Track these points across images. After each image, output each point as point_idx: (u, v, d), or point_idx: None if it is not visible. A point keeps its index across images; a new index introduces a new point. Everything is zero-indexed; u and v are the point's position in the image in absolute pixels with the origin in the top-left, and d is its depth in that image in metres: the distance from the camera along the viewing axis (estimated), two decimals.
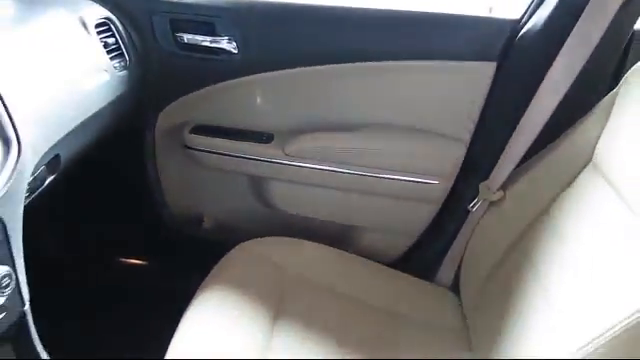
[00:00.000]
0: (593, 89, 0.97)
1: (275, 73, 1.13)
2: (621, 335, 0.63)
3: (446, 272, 1.14)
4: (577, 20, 0.90)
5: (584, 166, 0.91)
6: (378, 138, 1.13)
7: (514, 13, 1.03)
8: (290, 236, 1.13)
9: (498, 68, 1.03)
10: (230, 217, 1.36)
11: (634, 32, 0.98)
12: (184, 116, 1.23)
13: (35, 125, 0.76)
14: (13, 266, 0.71)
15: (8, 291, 0.69)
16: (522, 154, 1.00)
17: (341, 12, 1.09)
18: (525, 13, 1.02)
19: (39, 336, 0.82)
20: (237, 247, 1.07)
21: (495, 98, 1.05)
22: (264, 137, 1.19)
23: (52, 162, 0.86)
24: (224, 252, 1.06)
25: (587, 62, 0.91)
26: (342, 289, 1.04)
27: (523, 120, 0.99)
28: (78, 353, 1.04)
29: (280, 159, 1.17)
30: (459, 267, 1.12)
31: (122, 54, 1.09)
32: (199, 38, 1.13)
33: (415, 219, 1.21)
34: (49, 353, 0.85)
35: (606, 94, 0.91)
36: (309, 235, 1.13)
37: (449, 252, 1.14)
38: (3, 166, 0.68)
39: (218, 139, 1.20)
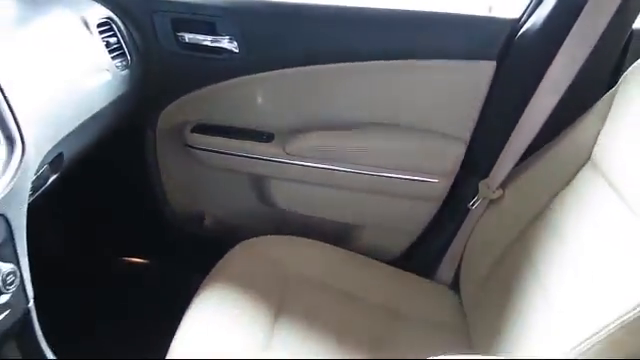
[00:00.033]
0: (592, 88, 0.98)
1: (276, 72, 1.13)
2: (616, 333, 0.64)
3: (446, 270, 1.15)
4: (576, 19, 0.91)
5: (583, 164, 0.91)
6: (378, 137, 1.14)
7: (513, 12, 1.04)
8: (291, 234, 1.13)
9: (498, 67, 1.03)
10: (231, 216, 1.36)
11: (633, 31, 0.98)
12: (185, 115, 1.23)
13: (38, 124, 0.77)
14: (17, 264, 0.72)
15: (13, 288, 0.69)
16: (522, 153, 1.00)
17: (341, 12, 1.09)
18: (524, 12, 1.03)
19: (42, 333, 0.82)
20: (238, 245, 1.07)
21: (495, 97, 1.05)
22: (265, 136, 1.19)
23: (55, 161, 0.86)
24: (225, 250, 1.06)
25: (586, 61, 0.91)
26: (342, 287, 1.04)
27: (522, 119, 0.99)
28: (78, 352, 1.04)
29: (281, 158, 1.17)
30: (459, 265, 1.12)
31: (124, 54, 1.09)
32: (200, 37, 1.13)
33: (415, 217, 1.21)
34: (53, 351, 0.85)
35: (605, 93, 0.91)
36: (310, 233, 1.13)
37: (449, 250, 1.14)
38: (7, 165, 0.68)
39: (219, 138, 1.20)
